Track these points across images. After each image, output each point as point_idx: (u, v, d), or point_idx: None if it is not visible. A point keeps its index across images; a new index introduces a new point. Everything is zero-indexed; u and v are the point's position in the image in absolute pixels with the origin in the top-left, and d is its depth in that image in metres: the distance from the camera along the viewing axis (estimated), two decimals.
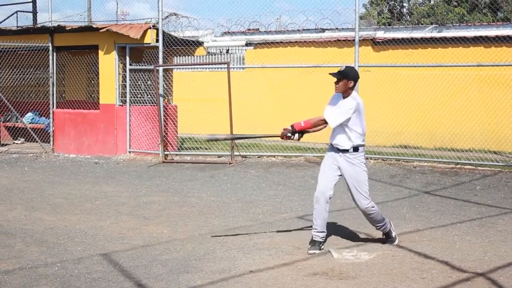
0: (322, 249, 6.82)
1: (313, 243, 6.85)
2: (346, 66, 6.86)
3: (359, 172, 6.76)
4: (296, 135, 6.99)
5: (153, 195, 10.37)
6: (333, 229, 7.78)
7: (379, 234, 7.22)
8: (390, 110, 14.67)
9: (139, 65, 14.61)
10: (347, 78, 6.69)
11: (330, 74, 6.83)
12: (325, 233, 6.92)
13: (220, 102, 14.99)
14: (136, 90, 14.68)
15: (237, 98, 14.58)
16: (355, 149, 6.74)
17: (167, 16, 14.94)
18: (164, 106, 14.35)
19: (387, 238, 7.06)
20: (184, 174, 12.44)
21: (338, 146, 6.78)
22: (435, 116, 14.84)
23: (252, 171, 12.61)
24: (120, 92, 14.75)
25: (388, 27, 25.58)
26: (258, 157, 14.14)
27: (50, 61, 15.44)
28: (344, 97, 6.74)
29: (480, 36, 14.67)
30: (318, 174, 7.12)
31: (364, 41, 15.62)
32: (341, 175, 6.86)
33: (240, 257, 6.63)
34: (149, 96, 14.70)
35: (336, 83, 6.75)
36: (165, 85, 14.51)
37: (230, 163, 13.41)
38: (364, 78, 13.34)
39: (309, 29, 18.03)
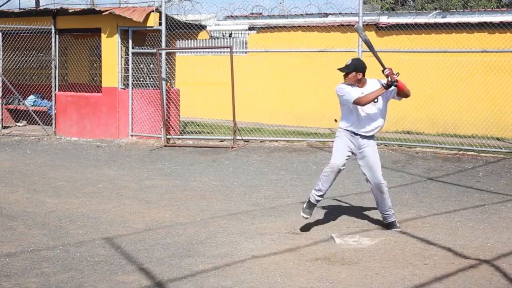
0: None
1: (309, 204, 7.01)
2: (352, 59, 6.95)
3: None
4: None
5: (155, 178, 10.37)
6: (335, 214, 7.78)
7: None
8: None
9: (142, 49, 14.56)
10: (355, 71, 6.82)
11: (338, 69, 6.89)
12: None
13: (223, 86, 14.96)
14: (138, 73, 14.63)
15: (240, 82, 14.55)
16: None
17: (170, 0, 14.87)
18: (166, 90, 14.31)
19: (391, 226, 7.06)
20: (186, 158, 12.43)
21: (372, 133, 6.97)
22: (438, 102, 14.79)
23: (254, 155, 12.59)
24: (123, 76, 14.69)
25: (391, 12, 25.43)
26: (261, 141, 14.12)
27: (53, 44, 15.37)
28: (359, 87, 6.87)
29: (485, 22, 14.59)
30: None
31: (367, 26, 15.56)
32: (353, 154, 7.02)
33: (242, 241, 6.63)
34: (151, 79, 14.66)
35: (345, 76, 6.84)
36: (167, 69, 14.47)
37: (232, 148, 13.39)
38: (367, 63, 13.26)
39: (312, 14, 17.97)
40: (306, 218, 6.97)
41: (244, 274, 5.60)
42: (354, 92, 6.78)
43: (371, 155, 6.93)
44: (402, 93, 6.87)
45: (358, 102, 6.72)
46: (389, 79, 6.65)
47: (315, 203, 6.98)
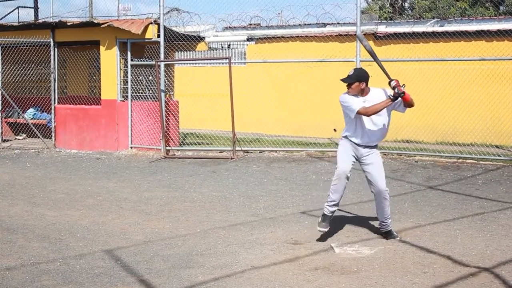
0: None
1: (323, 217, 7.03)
2: (354, 69, 6.94)
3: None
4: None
5: (154, 190, 10.37)
6: (335, 224, 7.77)
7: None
8: None
9: (141, 61, 14.60)
10: (359, 81, 6.79)
11: (341, 80, 6.87)
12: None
13: (222, 97, 14.98)
14: (137, 85, 14.66)
15: (239, 93, 14.57)
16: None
17: (169, 11, 14.93)
18: (165, 102, 14.33)
19: (389, 235, 7.06)
20: (186, 170, 12.44)
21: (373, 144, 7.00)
22: (437, 110, 14.80)
23: (253, 166, 12.60)
24: (122, 88, 14.73)
25: (389, 21, 25.53)
26: (260, 152, 14.13)
27: (52, 57, 15.42)
28: (362, 96, 6.88)
29: (482, 30, 14.62)
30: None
31: (365, 36, 15.57)
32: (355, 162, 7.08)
33: (242, 252, 6.63)
34: (150, 91, 14.68)
35: (349, 87, 6.82)
36: (166, 81, 14.50)
37: (231, 158, 13.40)
38: (369, 72, 13.28)
39: (310, 24, 17.99)
40: (322, 232, 6.99)
41: (243, 284, 5.61)
42: (357, 103, 6.78)
43: (373, 163, 6.95)
44: (407, 104, 6.84)
45: (363, 113, 6.74)
46: (396, 90, 6.62)
47: (330, 214, 7.02)
